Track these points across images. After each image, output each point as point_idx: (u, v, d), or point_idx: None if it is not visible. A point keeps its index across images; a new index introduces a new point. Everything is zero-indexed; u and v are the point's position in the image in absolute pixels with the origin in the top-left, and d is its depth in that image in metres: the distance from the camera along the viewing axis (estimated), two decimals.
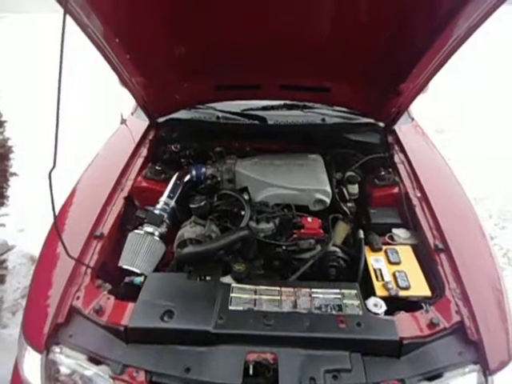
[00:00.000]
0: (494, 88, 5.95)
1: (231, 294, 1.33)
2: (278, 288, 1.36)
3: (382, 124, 2.13)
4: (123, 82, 1.77)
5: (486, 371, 1.16)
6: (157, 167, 1.94)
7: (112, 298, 1.34)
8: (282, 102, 2.19)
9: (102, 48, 1.47)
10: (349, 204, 1.85)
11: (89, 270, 1.42)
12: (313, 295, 1.34)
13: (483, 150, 4.34)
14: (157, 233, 1.62)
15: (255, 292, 1.35)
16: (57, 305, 1.30)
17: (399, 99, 1.82)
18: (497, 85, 6.04)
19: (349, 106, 2.06)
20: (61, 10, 1.07)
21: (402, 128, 2.20)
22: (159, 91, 1.90)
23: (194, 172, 1.89)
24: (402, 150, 2.04)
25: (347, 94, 1.91)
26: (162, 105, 2.05)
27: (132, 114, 2.47)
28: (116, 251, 1.58)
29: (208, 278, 1.42)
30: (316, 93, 1.94)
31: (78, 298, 1.33)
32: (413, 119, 2.43)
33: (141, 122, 2.25)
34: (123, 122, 2.35)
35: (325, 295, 1.34)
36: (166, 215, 1.69)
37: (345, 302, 1.31)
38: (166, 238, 1.66)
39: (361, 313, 1.27)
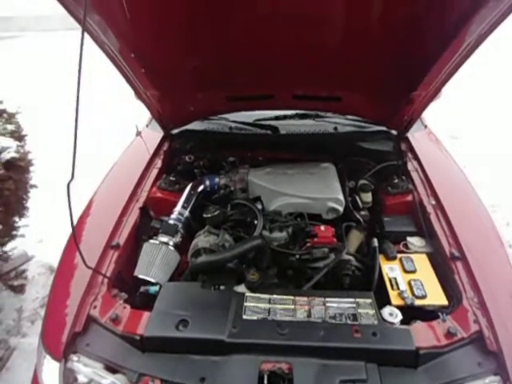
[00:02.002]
0: (510, 92, 5.86)
1: (245, 303, 1.34)
2: (292, 297, 1.36)
3: (394, 132, 2.13)
4: (138, 96, 1.82)
5: (507, 382, 1.13)
6: (171, 178, 1.97)
7: (128, 307, 1.36)
8: (294, 112, 2.20)
9: (117, 63, 1.52)
10: (362, 212, 1.84)
11: (105, 280, 1.45)
12: (327, 304, 1.33)
13: (499, 156, 4.26)
14: (171, 242, 1.64)
15: (269, 301, 1.35)
16: (74, 314, 1.33)
17: (411, 107, 1.82)
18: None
19: (361, 114, 2.07)
20: (78, 28, 1.11)
21: (415, 135, 2.19)
22: (173, 103, 1.94)
23: (207, 182, 1.92)
24: (416, 158, 2.03)
25: (359, 102, 1.92)
26: (176, 117, 2.09)
27: (147, 126, 2.52)
28: (132, 261, 1.60)
29: (222, 287, 1.43)
30: (328, 102, 1.95)
31: (94, 307, 1.36)
32: (426, 126, 2.42)
33: (155, 134, 2.29)
34: (138, 134, 2.40)
35: (339, 304, 1.33)
36: (180, 225, 1.71)
37: (360, 311, 1.30)
38: (181, 248, 1.68)
39: (376, 322, 1.26)
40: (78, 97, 1.05)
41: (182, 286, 1.45)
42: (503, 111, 5.34)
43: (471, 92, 5.64)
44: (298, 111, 2.20)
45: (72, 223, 1.22)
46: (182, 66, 1.71)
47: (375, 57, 1.57)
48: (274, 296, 1.37)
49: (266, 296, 1.37)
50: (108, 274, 1.46)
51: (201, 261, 1.47)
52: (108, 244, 1.57)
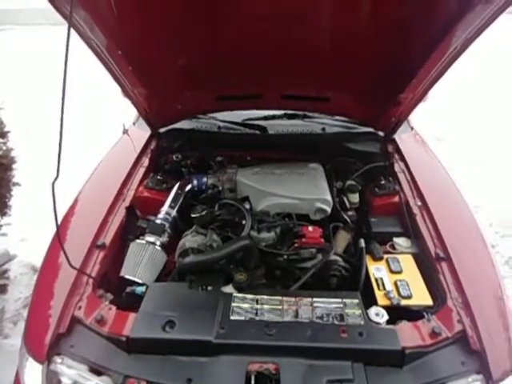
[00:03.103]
0: (495, 95, 5.98)
1: (232, 304, 1.33)
2: (279, 297, 1.37)
3: (381, 133, 2.15)
4: (125, 93, 1.80)
5: (489, 381, 1.16)
6: (158, 177, 1.95)
7: (114, 308, 1.34)
8: (282, 112, 2.20)
9: (104, 60, 1.49)
10: (349, 213, 1.86)
11: (90, 280, 1.42)
12: (314, 304, 1.34)
13: (483, 157, 4.35)
14: (158, 242, 1.62)
15: (257, 301, 1.35)
16: (58, 315, 1.30)
17: (399, 109, 1.84)
18: (498, 92, 6.07)
19: (349, 115, 2.08)
20: (63, 23, 1.09)
21: (401, 137, 2.21)
22: (161, 102, 1.92)
23: (195, 181, 1.90)
24: (402, 159, 2.06)
25: (347, 103, 1.93)
26: (164, 115, 2.07)
27: (134, 123, 2.49)
28: (118, 261, 1.58)
29: (209, 287, 1.42)
30: (316, 102, 1.96)
31: (79, 308, 1.33)
32: (412, 128, 2.45)
33: (142, 132, 2.27)
34: (125, 132, 2.37)
35: (326, 304, 1.34)
36: (167, 225, 1.69)
37: (346, 311, 1.31)
38: (168, 248, 1.66)
39: (362, 322, 1.27)
40: (63, 93, 1.03)
41: (169, 287, 1.44)
42: (489, 114, 5.45)
43: (457, 95, 5.73)
44: (286, 111, 2.20)
45: (56, 223, 1.20)
46: (170, 64, 1.70)
47: (364, 58, 1.58)
48: (262, 296, 1.37)
49: (254, 296, 1.37)
50: (93, 275, 1.44)
51: (188, 261, 1.46)
52: (93, 244, 1.54)
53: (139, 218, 1.81)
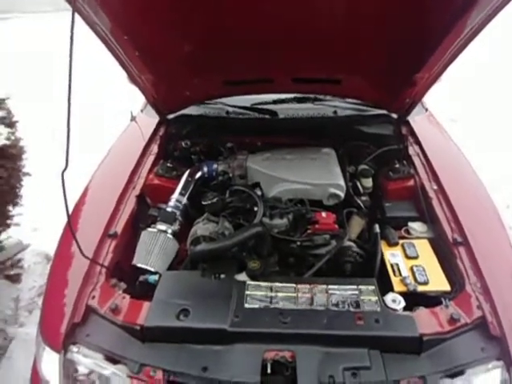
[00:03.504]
0: (509, 75, 5.79)
1: (246, 292, 1.32)
2: (293, 285, 1.35)
3: (395, 115, 2.08)
4: (132, 80, 1.76)
5: (510, 367, 1.13)
6: (168, 164, 1.93)
7: (127, 296, 1.34)
8: (292, 95, 2.15)
9: (110, 45, 1.46)
10: (363, 198, 1.82)
11: (103, 270, 1.42)
12: (329, 291, 1.32)
13: (498, 138, 4.24)
14: (170, 230, 1.61)
15: (271, 289, 1.34)
16: (73, 304, 1.31)
17: (414, 89, 1.78)
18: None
19: (361, 97, 2.02)
20: (68, 9, 1.05)
21: (415, 119, 2.15)
22: (169, 88, 1.88)
23: (205, 168, 1.88)
24: (417, 142, 2.00)
25: (359, 85, 1.87)
26: (172, 101, 2.04)
27: (142, 111, 2.46)
28: (130, 250, 1.57)
29: (222, 275, 1.41)
30: (328, 85, 1.90)
31: (93, 297, 1.33)
32: (426, 110, 2.37)
33: (150, 119, 2.23)
34: (133, 119, 2.34)
35: (342, 291, 1.32)
36: (178, 212, 1.68)
37: (362, 298, 1.29)
38: (179, 236, 1.65)
39: (379, 309, 1.25)
40: (69, 81, 1.00)
41: (181, 275, 1.43)
42: (503, 94, 5.29)
43: (471, 75, 5.56)
44: (296, 95, 2.14)
45: (68, 213, 1.19)
46: (177, 49, 1.65)
47: (378, 38, 1.51)
48: (276, 284, 1.35)
49: (268, 284, 1.35)
50: (106, 264, 1.44)
51: (200, 249, 1.44)
52: (105, 233, 1.53)
53: (150, 206, 1.80)
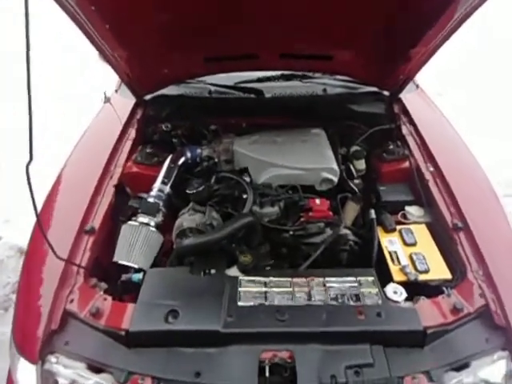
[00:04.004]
0: (495, 49, 5.74)
1: (239, 288, 1.23)
2: (289, 279, 1.27)
3: (386, 93, 1.99)
4: (104, 56, 1.59)
5: None
6: (147, 150, 1.78)
7: (109, 298, 1.23)
8: (279, 73, 2.01)
9: (76, 18, 1.28)
10: (356, 181, 1.73)
11: (82, 270, 1.30)
12: (327, 284, 1.25)
13: (484, 112, 4.21)
14: (152, 223, 1.49)
15: (265, 284, 1.25)
16: (49, 309, 1.19)
17: (408, 65, 1.68)
18: (498, 45, 5.82)
19: (353, 74, 1.90)
20: None
21: (407, 96, 2.05)
22: (144, 65, 1.72)
23: (188, 154, 1.75)
24: (410, 121, 1.91)
25: (352, 61, 1.75)
26: (149, 80, 1.87)
27: (116, 91, 2.27)
28: (110, 245, 1.45)
29: (212, 270, 1.31)
30: (318, 61, 1.77)
31: (71, 300, 1.22)
32: (417, 86, 2.27)
33: (126, 101, 2.06)
34: (107, 100, 2.15)
35: (340, 284, 1.25)
36: (161, 203, 1.56)
37: (362, 290, 1.22)
38: (163, 227, 1.54)
39: (380, 302, 1.18)
40: (28, 62, 0.85)
41: (168, 272, 1.32)
42: (489, 68, 5.24)
43: (456, 49, 5.48)
44: (283, 72, 2.01)
45: (36, 211, 1.05)
46: (152, 21, 1.48)
47: (373, 9, 1.39)
48: (270, 278, 1.27)
49: (262, 279, 1.27)
50: (84, 263, 1.31)
51: (187, 243, 1.34)
52: (81, 228, 1.40)
53: (130, 197, 1.67)
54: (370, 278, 1.26)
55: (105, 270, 1.42)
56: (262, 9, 1.41)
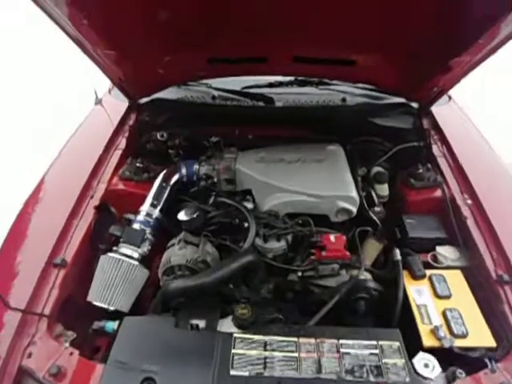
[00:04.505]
0: None
1: (233, 350, 1.00)
2: (295, 339, 1.03)
3: (415, 104, 1.72)
4: (88, 55, 1.36)
5: None
6: (137, 164, 1.55)
7: (76, 353, 1.02)
8: (292, 78, 1.76)
9: (47, 10, 1.05)
10: (376, 208, 1.48)
11: (47, 312, 1.08)
12: (342, 350, 1.01)
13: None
14: (136, 254, 1.27)
15: (265, 346, 1.02)
16: (1, 364, 0.97)
17: (446, 76, 1.42)
18: None
19: (377, 82, 1.65)
20: None
21: (438, 110, 1.78)
22: (137, 66, 1.48)
23: (183, 170, 1.51)
24: (442, 139, 1.65)
25: (377, 68, 1.49)
26: (143, 82, 1.63)
27: (109, 91, 2.04)
28: (86, 279, 1.23)
29: (202, 323, 1.08)
30: (338, 67, 1.51)
31: (29, 354, 1.01)
32: (450, 98, 1.99)
33: (120, 103, 1.83)
34: (98, 102, 1.93)
35: (357, 350, 1.01)
36: (148, 230, 1.33)
37: (385, 361, 0.98)
38: (152, 253, 1.33)
39: (408, 379, 0.95)
40: None
41: (148, 324, 1.09)
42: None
43: None
44: (297, 77, 1.76)
45: None
46: (143, 15, 1.25)
47: (413, 8, 1.13)
48: (272, 338, 1.03)
49: (261, 338, 1.03)
50: (49, 305, 1.10)
51: (174, 287, 1.11)
52: (50, 260, 1.18)
53: (114, 218, 1.45)
54: (395, 344, 1.02)
55: (79, 310, 1.20)
56: (274, 4, 1.16)
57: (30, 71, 3.81)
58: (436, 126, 1.70)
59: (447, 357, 1.04)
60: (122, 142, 1.66)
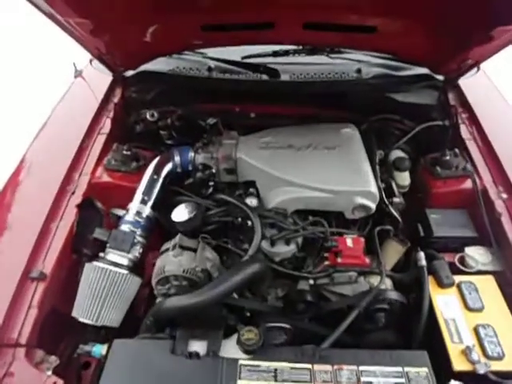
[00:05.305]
0: None
1: (238, 382, 0.87)
2: (308, 366, 0.91)
3: (440, 77, 1.50)
4: (58, 25, 1.13)
5: None
6: (125, 151, 1.35)
7: (60, 383, 0.89)
8: (300, 47, 1.52)
9: None
10: (396, 199, 1.31)
11: (24, 336, 0.94)
12: (362, 379, 0.89)
13: None
14: (126, 261, 1.12)
15: (275, 375, 0.89)
16: None
17: (484, 47, 1.20)
18: None
19: (402, 53, 1.41)
20: None
21: (466, 83, 1.55)
22: (118, 36, 1.25)
23: (177, 158, 1.32)
24: (472, 118, 1.45)
25: (404, 36, 1.26)
26: (126, 53, 1.40)
27: (91, 62, 1.77)
28: (69, 289, 1.09)
29: (202, 346, 0.95)
30: (355, 34, 1.28)
31: None
32: (478, 68, 1.73)
33: (103, 76, 1.59)
34: (78, 74, 1.69)
35: (380, 378, 0.88)
36: (138, 231, 1.17)
37: None
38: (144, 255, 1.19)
39: None
40: None
41: (141, 349, 0.95)
42: None
43: None
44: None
45: None
46: None
47: None
48: (282, 364, 0.91)
49: (270, 365, 0.91)
50: (28, 326, 0.96)
51: (169, 306, 0.97)
52: (26, 273, 1.03)
53: (101, 215, 1.28)
54: (423, 371, 0.89)
55: (62, 327, 1.07)
56: None
57: (30, 71, 3.57)
58: (464, 102, 1.49)
59: (480, 381, 0.92)
60: (106, 124, 1.45)
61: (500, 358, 0.95)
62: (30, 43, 3.96)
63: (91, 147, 1.36)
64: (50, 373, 0.92)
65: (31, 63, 3.73)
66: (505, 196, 1.20)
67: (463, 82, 1.54)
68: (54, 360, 0.96)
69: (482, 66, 1.50)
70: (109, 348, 0.95)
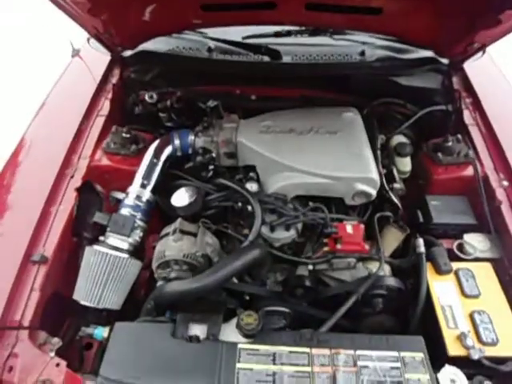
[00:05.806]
0: None
1: (238, 365, 0.89)
2: (307, 350, 0.92)
3: (445, 60, 1.47)
4: (54, 4, 1.09)
5: None
6: (124, 134, 1.34)
7: (63, 364, 0.91)
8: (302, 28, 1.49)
9: None
10: (396, 185, 1.31)
11: (26, 318, 0.96)
12: (359, 363, 0.90)
13: None
14: (126, 245, 1.13)
15: (273, 358, 0.91)
16: None
17: (492, 30, 1.17)
18: None
19: (407, 36, 1.38)
20: None
21: (470, 66, 1.52)
22: (115, 13, 1.22)
23: (177, 141, 1.31)
24: (475, 104, 1.43)
25: (410, 18, 1.23)
26: (125, 32, 1.37)
27: (88, 40, 1.72)
28: (71, 272, 1.10)
29: (203, 329, 0.96)
30: (360, 16, 1.24)
31: (10, 368, 0.90)
32: (484, 51, 1.69)
33: (101, 56, 1.56)
34: (75, 53, 1.66)
35: (377, 362, 0.91)
36: (138, 215, 1.17)
37: (407, 376, 0.89)
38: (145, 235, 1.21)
39: None
40: None
41: (142, 333, 0.97)
42: None
43: None
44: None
45: None
46: None
47: None
48: (281, 348, 0.93)
49: (269, 348, 0.92)
50: (30, 309, 0.97)
51: (170, 291, 0.98)
52: (27, 257, 1.03)
53: (101, 199, 1.28)
54: (419, 356, 0.91)
55: (65, 309, 1.08)
56: None
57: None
58: (468, 86, 1.47)
59: (474, 366, 0.95)
60: (104, 106, 1.43)
61: (494, 343, 0.97)
62: (28, 23, 3.88)
63: (90, 129, 1.34)
64: (53, 354, 0.94)
65: (28, 42, 3.67)
66: (506, 184, 1.19)
67: (467, 65, 1.51)
68: (56, 341, 0.97)
69: (488, 49, 1.48)
70: (110, 331, 0.96)
